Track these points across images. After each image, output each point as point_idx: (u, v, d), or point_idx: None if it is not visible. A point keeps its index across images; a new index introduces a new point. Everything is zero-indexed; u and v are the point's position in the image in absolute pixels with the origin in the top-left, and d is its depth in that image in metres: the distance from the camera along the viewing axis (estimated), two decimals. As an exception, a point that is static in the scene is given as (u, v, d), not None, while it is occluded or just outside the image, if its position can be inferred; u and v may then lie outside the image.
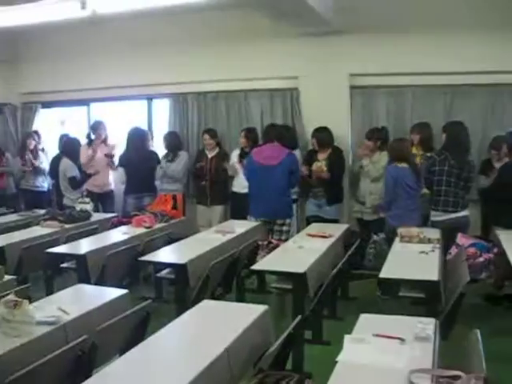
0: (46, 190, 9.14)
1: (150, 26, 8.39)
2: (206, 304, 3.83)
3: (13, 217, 7.60)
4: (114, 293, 4.08)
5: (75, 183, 8.03)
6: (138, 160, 7.88)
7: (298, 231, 7.13)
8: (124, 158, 8.08)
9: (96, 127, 8.61)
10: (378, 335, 3.04)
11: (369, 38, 7.47)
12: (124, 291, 4.08)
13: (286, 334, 3.28)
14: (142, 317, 3.75)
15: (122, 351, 3.50)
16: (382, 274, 4.52)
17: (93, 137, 8.61)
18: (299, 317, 3.63)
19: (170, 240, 6.19)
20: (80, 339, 3.18)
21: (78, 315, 3.51)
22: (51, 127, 9.95)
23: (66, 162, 8.10)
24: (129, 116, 9.43)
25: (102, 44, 8.97)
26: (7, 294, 3.41)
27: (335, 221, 7.18)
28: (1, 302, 3.24)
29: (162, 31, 8.46)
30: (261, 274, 6.06)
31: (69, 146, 8.35)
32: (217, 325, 3.41)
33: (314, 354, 4.37)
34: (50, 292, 5.37)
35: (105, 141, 8.56)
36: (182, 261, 4.98)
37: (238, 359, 3.12)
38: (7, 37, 9.34)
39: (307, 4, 5.99)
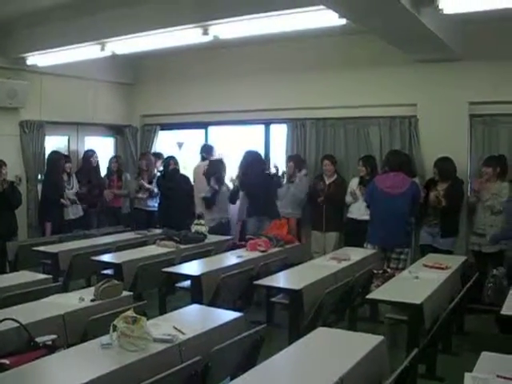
0: (154, 209, 9.35)
1: (268, 52, 8.55)
2: (321, 331, 3.76)
3: (129, 235, 7.85)
4: (228, 315, 4.10)
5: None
6: (258, 183, 7.82)
7: (412, 259, 6.93)
8: (244, 182, 8.00)
9: (208, 151, 8.76)
10: (503, 377, 2.84)
11: (489, 66, 7.21)
12: (239, 314, 4.09)
13: (402, 367, 3.16)
14: (256, 341, 3.74)
15: (234, 374, 3.51)
16: (504, 311, 4.28)
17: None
18: (416, 350, 3.50)
19: (285, 265, 6.17)
20: (194, 359, 3.21)
21: (193, 335, 3.54)
22: (169, 149, 10.20)
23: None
24: (246, 140, 9.52)
25: (221, 68, 9.20)
26: (126, 310, 3.49)
27: (449, 252, 6.93)
28: (120, 317, 3.31)
29: (280, 57, 8.57)
30: (374, 303, 5.92)
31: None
32: (331, 353, 3.34)
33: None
34: (163, 310, 5.48)
35: None
36: (298, 286, 4.94)
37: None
38: (129, 61, 9.78)
39: (428, 30, 5.86)
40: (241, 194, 8.11)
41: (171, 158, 9.07)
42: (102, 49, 7.28)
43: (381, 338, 3.55)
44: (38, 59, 8.24)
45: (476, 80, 7.32)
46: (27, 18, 7.28)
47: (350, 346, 3.43)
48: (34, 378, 3.00)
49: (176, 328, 3.57)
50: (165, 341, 3.36)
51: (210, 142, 9.46)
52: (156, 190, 9.19)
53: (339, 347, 3.44)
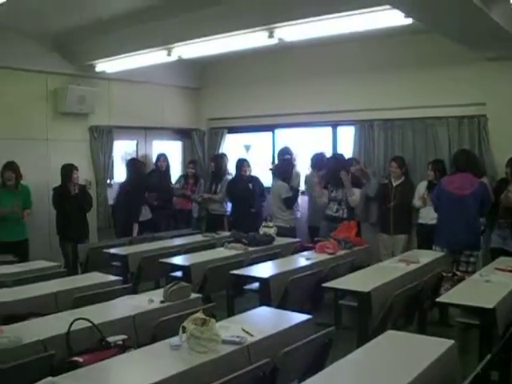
0: (225, 213, 9.38)
1: (334, 53, 8.51)
2: (390, 335, 3.69)
3: (198, 237, 7.91)
4: (297, 317, 4.08)
5: (290, 202, 8.13)
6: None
7: (482, 262, 6.74)
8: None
9: (285, 153, 8.74)
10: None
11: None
12: (307, 316, 4.06)
13: (475, 374, 3.07)
14: (324, 343, 3.70)
15: (301, 377, 3.48)
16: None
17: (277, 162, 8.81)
18: (489, 355, 3.38)
19: (353, 267, 6.10)
20: (263, 361, 3.19)
21: (261, 337, 3.53)
22: (236, 152, 10.25)
23: (279, 184, 8.20)
24: (312, 142, 9.46)
25: (287, 70, 9.19)
26: (195, 312, 3.51)
27: (522, 255, 6.69)
28: (190, 318, 3.33)
29: (346, 57, 8.51)
30: (444, 306, 5.79)
31: (282, 169, 8.38)
32: (401, 357, 3.26)
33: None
34: (231, 312, 5.48)
35: None
36: (366, 289, 4.86)
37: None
38: (196, 65, 9.90)
39: (499, 26, 5.69)
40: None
41: (244, 160, 9.09)
42: (169, 54, 7.38)
43: (451, 342, 3.45)
44: (106, 66, 8.45)
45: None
46: (96, 26, 7.43)
47: (420, 351, 3.33)
48: (106, 376, 3.07)
49: (245, 330, 3.57)
50: (234, 342, 3.36)
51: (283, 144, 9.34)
52: (219, 195, 9.26)
53: (409, 351, 3.35)
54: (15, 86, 8.06)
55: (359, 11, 5.53)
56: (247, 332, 3.54)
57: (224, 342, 3.35)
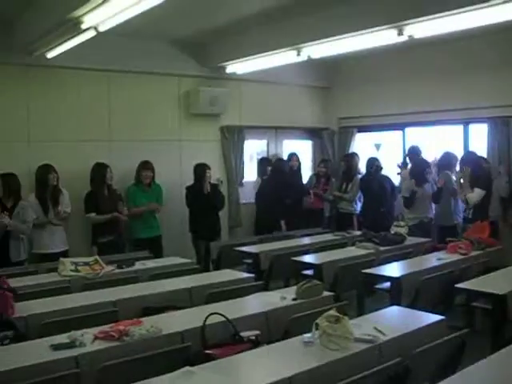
0: (354, 212, 9.29)
1: (462, 48, 8.24)
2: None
3: (328, 236, 7.90)
4: (429, 318, 3.99)
5: (407, 202, 8.01)
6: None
7: None
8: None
9: (416, 151, 8.60)
10: None
11: None
12: (440, 317, 3.96)
13: None
14: (457, 346, 3.59)
15: (432, 380, 3.41)
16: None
17: (408, 161, 8.67)
18: None
19: (486, 269, 5.86)
20: (394, 361, 3.15)
21: (393, 336, 3.49)
22: (366, 151, 10.14)
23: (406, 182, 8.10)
24: (442, 141, 9.22)
25: (416, 68, 9.01)
26: (326, 310, 3.52)
27: None
28: (323, 316, 3.35)
29: (476, 52, 8.20)
30: None
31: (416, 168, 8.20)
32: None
33: None
34: (361, 311, 5.45)
35: None
36: (502, 291, 4.67)
37: None
38: (325, 65, 9.88)
39: None
40: None
41: (374, 158, 9.00)
42: (298, 54, 7.39)
43: None
44: (236, 67, 8.63)
45: None
46: (227, 28, 7.63)
47: None
48: (240, 368, 3.18)
49: (377, 328, 3.54)
50: (366, 341, 3.35)
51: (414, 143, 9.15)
52: (350, 194, 9.20)
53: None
54: (150, 90, 8.45)
55: (486, 4, 5.29)
56: (379, 331, 3.51)
57: (356, 340, 3.33)
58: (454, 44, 8.12)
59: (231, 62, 8.47)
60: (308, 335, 3.39)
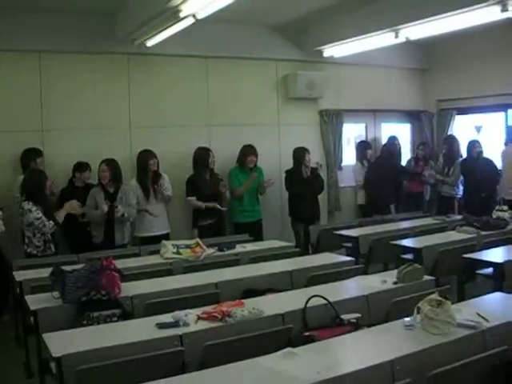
0: (455, 196, 9.18)
1: None
2: None
3: (428, 220, 7.81)
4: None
5: None
6: None
7: None
8: None
9: None
10: None
11: None
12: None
13: None
14: None
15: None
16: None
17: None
18: None
19: None
20: (500, 348, 3.10)
21: (497, 323, 3.41)
22: (466, 134, 9.91)
23: None
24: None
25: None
26: (427, 294, 3.51)
27: None
28: (425, 300, 3.34)
29: None
30: None
31: None
32: None
33: None
34: (461, 296, 5.39)
35: None
36: None
37: None
38: (422, 46, 9.70)
39: None
40: None
41: (476, 141, 8.81)
42: (396, 36, 7.28)
43: None
44: (333, 51, 8.60)
45: None
46: (325, 11, 7.59)
47: None
48: (342, 350, 3.21)
49: (479, 315, 3.49)
50: (469, 326, 3.30)
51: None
52: (452, 178, 9.04)
53: None
54: (248, 74, 8.59)
55: None
56: (482, 317, 3.46)
57: (459, 325, 3.30)
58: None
59: (328, 45, 8.45)
60: (409, 319, 3.40)
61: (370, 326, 3.68)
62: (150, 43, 7.25)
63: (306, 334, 3.52)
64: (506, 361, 3.10)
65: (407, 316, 3.46)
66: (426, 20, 6.69)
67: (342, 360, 2.90)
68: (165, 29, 6.57)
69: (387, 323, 3.58)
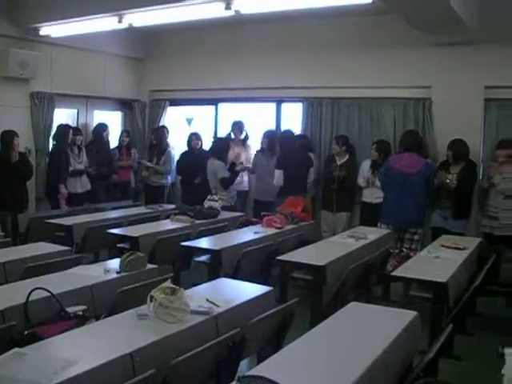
0: (164, 185, 9.35)
1: (285, 30, 8.51)
2: (354, 306, 3.73)
3: (140, 209, 7.84)
4: (259, 289, 4.09)
5: (226, 183, 7.88)
6: (294, 162, 7.67)
7: (423, 241, 6.86)
8: (282, 161, 7.76)
9: (237, 126, 8.84)
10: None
11: (506, 50, 7.14)
12: (269, 288, 4.07)
13: (441, 341, 3.15)
14: (288, 315, 3.71)
15: (261, 349, 3.56)
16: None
17: (232, 136, 8.88)
18: (450, 326, 3.47)
19: (301, 242, 6.12)
20: (233, 331, 3.20)
21: (227, 308, 3.52)
22: (178, 125, 10.12)
23: (216, 164, 7.82)
24: (257, 118, 9.49)
25: (234, 44, 9.13)
26: (154, 282, 3.48)
27: (461, 234, 6.85)
28: (158, 287, 3.28)
29: (297, 35, 8.51)
30: (387, 282, 5.92)
31: (219, 147, 8.06)
32: (368, 328, 3.29)
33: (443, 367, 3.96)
34: (177, 284, 5.42)
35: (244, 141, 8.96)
36: (321, 262, 4.91)
37: (394, 363, 3.04)
38: (141, 35, 9.69)
39: (455, 13, 5.80)
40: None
41: (194, 134, 9.02)
42: (120, 21, 7.12)
43: (415, 313, 3.52)
44: (51, 30, 8.08)
45: (492, 64, 7.24)
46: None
47: (387, 321, 3.39)
48: (75, 347, 2.92)
49: (210, 300, 3.54)
50: (202, 313, 3.34)
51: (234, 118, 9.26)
52: (166, 167, 9.23)
53: (375, 323, 3.39)
54: None
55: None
56: (213, 303, 3.52)
57: (192, 312, 3.31)
58: (275, 24, 8.38)
59: (46, 23, 7.90)
60: (142, 308, 3.31)
61: (97, 318, 3.53)
62: None
63: (29, 330, 3.20)
64: (237, 341, 3.21)
65: (136, 306, 3.37)
66: (151, 8, 6.65)
67: (79, 357, 2.66)
68: None
69: (118, 314, 3.42)
